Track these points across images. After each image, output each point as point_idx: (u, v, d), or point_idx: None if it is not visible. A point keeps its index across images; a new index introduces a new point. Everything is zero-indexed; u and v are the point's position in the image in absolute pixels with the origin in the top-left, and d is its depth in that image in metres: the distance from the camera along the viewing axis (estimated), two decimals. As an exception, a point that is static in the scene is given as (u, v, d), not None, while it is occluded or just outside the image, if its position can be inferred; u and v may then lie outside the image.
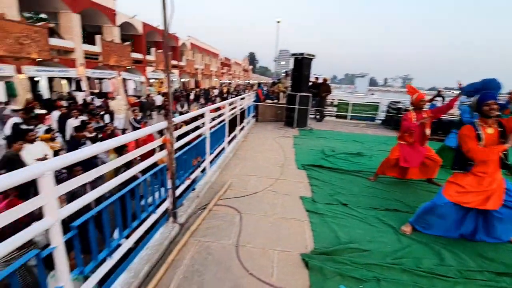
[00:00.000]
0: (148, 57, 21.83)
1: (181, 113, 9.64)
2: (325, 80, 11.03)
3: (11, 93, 11.46)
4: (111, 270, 1.83)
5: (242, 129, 7.27)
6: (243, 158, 5.25)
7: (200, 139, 3.61)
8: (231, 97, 22.51)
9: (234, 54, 63.09)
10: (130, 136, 2.20)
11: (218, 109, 5.28)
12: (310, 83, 9.82)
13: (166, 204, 2.65)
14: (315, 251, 2.50)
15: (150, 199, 2.31)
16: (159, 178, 2.43)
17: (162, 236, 2.49)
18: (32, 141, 4.83)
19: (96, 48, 16.07)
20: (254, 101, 9.78)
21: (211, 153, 4.13)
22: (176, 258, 2.33)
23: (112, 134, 7.07)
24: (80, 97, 14.70)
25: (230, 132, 5.65)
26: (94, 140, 6.14)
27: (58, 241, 1.31)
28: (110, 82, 17.42)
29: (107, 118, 10.23)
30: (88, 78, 15.60)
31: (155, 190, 2.37)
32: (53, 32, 13.93)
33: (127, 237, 2.02)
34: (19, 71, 11.62)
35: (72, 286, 1.44)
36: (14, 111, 11.05)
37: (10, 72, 11.28)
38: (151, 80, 23.03)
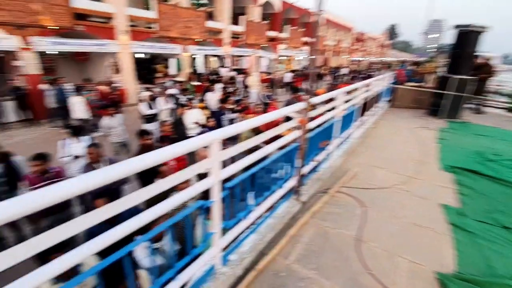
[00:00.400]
0: (282, 35, 22.64)
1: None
2: (486, 60, 8.41)
3: (178, 68, 14.62)
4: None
5: (373, 114, 6.62)
6: (371, 147, 4.82)
7: (330, 122, 3.52)
8: (359, 78, 20.72)
9: (372, 27, 56.52)
10: (270, 116, 2.38)
11: (350, 91, 4.96)
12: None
13: (292, 182, 2.79)
14: (458, 276, 2.07)
15: (280, 174, 2.48)
16: (290, 156, 2.56)
17: (285, 210, 2.68)
18: (191, 108, 6.08)
19: (240, 28, 17.96)
20: (393, 83, 8.60)
21: (338, 137, 4.00)
22: (296, 234, 2.47)
23: (247, 107, 7.93)
24: (223, 72, 17.16)
25: (360, 116, 5.26)
26: (232, 111, 7.10)
27: (216, 197, 1.61)
28: (247, 60, 19.35)
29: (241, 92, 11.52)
30: (231, 56, 17.85)
31: (285, 167, 2.52)
32: (210, 16, 16.45)
33: (258, 204, 2.27)
34: (184, 50, 14.54)
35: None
36: (175, 82, 14.06)
37: (179, 51, 14.30)
38: (281, 58, 24.00)
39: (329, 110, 3.53)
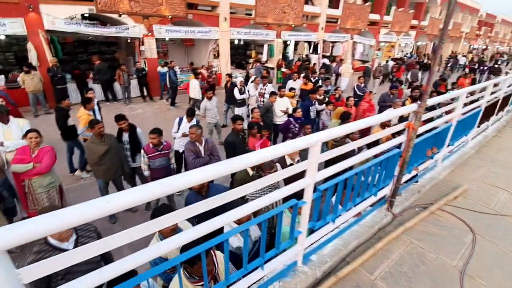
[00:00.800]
0: (385, 18, 20.21)
1: (410, 85, 8.50)
2: None
3: (270, 54, 14.88)
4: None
5: (497, 119, 5.36)
6: (491, 160, 3.93)
7: (443, 127, 3.00)
8: (482, 71, 16.94)
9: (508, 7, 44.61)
10: (380, 117, 2.17)
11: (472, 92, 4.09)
12: None
13: (385, 190, 2.54)
14: None
15: (373, 181, 2.28)
16: (389, 162, 2.31)
17: (373, 220, 2.48)
18: (281, 96, 6.17)
19: (338, 12, 16.85)
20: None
21: (449, 145, 3.40)
22: (385, 248, 2.26)
23: (339, 98, 7.52)
24: (314, 59, 16.63)
25: (480, 122, 4.33)
26: (321, 102, 6.86)
27: (309, 197, 1.61)
28: (341, 45, 18.16)
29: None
30: (324, 42, 17.05)
31: (381, 173, 2.30)
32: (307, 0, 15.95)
33: (347, 210, 2.16)
34: (278, 36, 14.64)
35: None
36: (265, 68, 14.30)
37: (273, 37, 14.48)
38: (381, 44, 21.60)
39: (445, 113, 3.01)
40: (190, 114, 4.74)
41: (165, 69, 10.76)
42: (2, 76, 9.10)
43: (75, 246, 2.11)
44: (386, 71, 15.40)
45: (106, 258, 2.32)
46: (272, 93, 6.09)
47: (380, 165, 2.16)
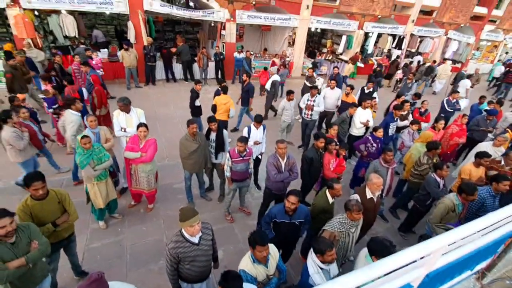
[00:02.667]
0: (494, 13, 17.02)
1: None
2: None
3: (348, 45, 14.00)
4: None
5: None
6: None
7: None
8: None
9: None
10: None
11: None
12: None
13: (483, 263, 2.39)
14: None
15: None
16: (499, 241, 2.16)
17: (462, 291, 2.39)
18: (365, 107, 5.94)
19: (436, 3, 14.75)
20: None
21: None
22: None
23: (425, 113, 6.88)
24: (396, 54, 15.13)
25: None
26: (404, 118, 6.38)
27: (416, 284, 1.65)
28: (431, 41, 16.07)
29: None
30: (411, 36, 15.28)
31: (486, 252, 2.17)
32: (401, -13, 14.24)
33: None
34: (360, 27, 13.59)
35: None
36: (341, 61, 13.58)
37: (354, 28, 13.51)
38: (481, 43, 18.47)
39: None
40: (259, 120, 4.88)
41: (241, 55, 11.04)
42: (106, 50, 10.43)
43: (200, 241, 2.57)
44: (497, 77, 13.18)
45: (214, 252, 2.86)
46: (352, 105, 5.89)
47: (489, 247, 2.04)
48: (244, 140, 4.08)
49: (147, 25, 10.03)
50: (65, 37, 9.82)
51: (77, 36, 9.88)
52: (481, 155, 4.23)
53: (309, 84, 7.89)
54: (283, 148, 3.86)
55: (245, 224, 4.73)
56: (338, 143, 4.68)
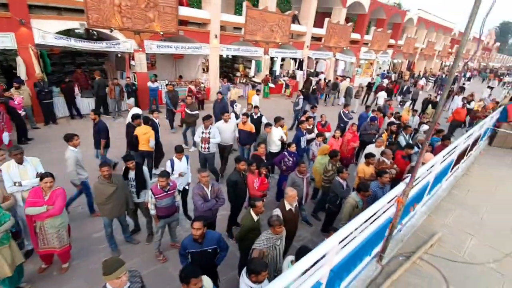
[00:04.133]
0: (366, 37, 21.37)
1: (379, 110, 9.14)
2: None
3: (258, 69, 15.30)
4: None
5: (466, 158, 6.06)
6: (460, 204, 4.53)
7: (424, 184, 3.51)
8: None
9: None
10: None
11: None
12: None
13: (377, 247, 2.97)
14: None
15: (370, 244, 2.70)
16: (383, 228, 2.74)
17: (367, 274, 2.90)
18: (277, 126, 6.55)
19: (322, 31, 17.63)
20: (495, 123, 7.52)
21: (427, 195, 3.94)
22: (377, 301, 2.69)
23: (325, 124, 7.97)
24: (299, 75, 17.28)
25: (452, 167, 4.94)
26: (310, 131, 7.30)
27: (324, 280, 1.97)
28: (325, 62, 18.98)
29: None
30: (308, 58, 17.75)
31: (375, 238, 2.72)
32: (295, 18, 16.54)
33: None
34: (266, 52, 15.09)
35: None
36: (254, 83, 14.73)
37: (261, 53, 14.91)
38: (361, 62, 22.76)
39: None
40: (179, 150, 4.91)
41: (155, 84, 10.82)
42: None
43: (128, 292, 2.37)
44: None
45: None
46: (267, 125, 6.46)
47: (377, 233, 2.58)
48: (166, 174, 4.03)
49: (40, 60, 8.90)
50: None
51: None
52: (367, 156, 5.22)
53: (189, 112, 7.84)
54: (206, 177, 3.97)
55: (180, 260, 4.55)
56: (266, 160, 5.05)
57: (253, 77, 15.72)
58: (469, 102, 12.50)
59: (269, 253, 3.16)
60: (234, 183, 4.55)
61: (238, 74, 16.54)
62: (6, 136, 6.61)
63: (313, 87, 13.84)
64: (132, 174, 4.45)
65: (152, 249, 4.60)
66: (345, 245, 2.10)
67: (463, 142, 4.59)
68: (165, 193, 4.08)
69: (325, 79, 16.77)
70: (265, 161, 5.44)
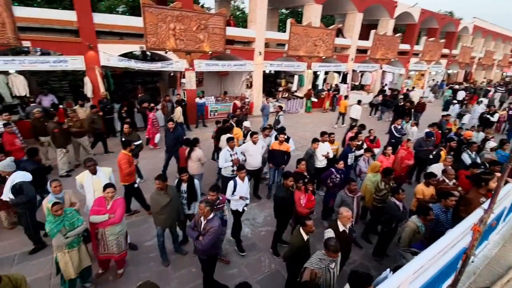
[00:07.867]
0: (416, 48, 20.18)
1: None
2: None
3: (300, 83, 15.30)
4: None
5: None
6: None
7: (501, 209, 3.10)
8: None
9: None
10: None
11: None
12: None
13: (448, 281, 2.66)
14: None
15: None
16: (455, 260, 2.45)
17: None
18: (323, 141, 6.40)
19: (367, 43, 17.10)
20: None
21: (502, 221, 3.45)
22: None
23: (374, 140, 7.56)
24: (343, 88, 16.84)
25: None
26: (359, 147, 6.98)
27: None
28: (370, 75, 18.27)
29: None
30: (353, 71, 17.26)
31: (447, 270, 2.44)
32: (339, 32, 16.36)
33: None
34: (308, 67, 15.06)
35: None
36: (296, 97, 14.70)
37: (303, 68, 14.93)
38: (411, 73, 21.47)
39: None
40: (243, 169, 4.94)
41: (203, 100, 11.42)
42: (53, 96, 10.05)
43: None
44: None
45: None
46: (315, 140, 6.31)
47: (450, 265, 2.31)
48: (216, 189, 4.14)
49: (105, 80, 10.03)
50: (14, 96, 9.36)
51: (27, 95, 9.46)
52: (428, 176, 4.79)
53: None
54: (202, 209, 3.56)
55: (225, 275, 4.57)
56: (308, 177, 4.96)
57: (295, 91, 15.74)
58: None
59: (322, 276, 3.02)
60: (281, 200, 4.51)
61: (280, 88, 16.69)
62: (157, 138, 9.21)
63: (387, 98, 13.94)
64: (184, 187, 4.66)
65: (198, 262, 4.70)
66: (413, 280, 1.92)
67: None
68: (215, 207, 4.18)
69: (392, 89, 16.27)
70: (308, 177, 5.29)
